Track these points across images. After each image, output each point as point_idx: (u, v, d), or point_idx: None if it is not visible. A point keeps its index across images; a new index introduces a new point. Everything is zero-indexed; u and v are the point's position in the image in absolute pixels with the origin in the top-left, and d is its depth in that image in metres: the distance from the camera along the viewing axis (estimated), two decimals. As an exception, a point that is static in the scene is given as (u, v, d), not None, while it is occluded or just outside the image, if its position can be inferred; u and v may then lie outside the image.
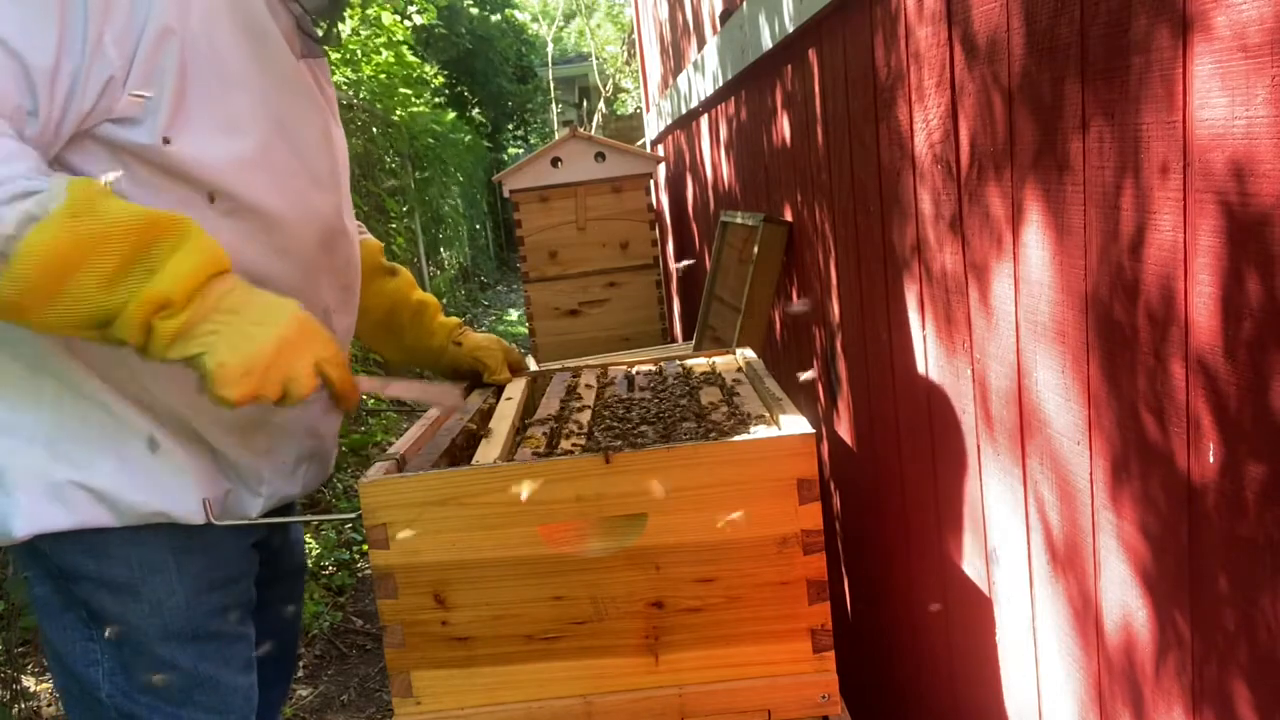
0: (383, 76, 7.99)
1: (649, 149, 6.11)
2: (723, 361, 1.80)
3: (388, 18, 8.04)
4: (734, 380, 1.62)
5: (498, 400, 1.76)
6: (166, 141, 1.17)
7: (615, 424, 1.43)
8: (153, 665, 1.32)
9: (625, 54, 14.90)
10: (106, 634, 1.31)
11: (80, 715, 1.36)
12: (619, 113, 14.72)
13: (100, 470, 1.26)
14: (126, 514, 1.27)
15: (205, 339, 1.13)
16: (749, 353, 1.81)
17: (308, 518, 1.40)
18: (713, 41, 3.21)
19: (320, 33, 1.40)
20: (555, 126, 16.94)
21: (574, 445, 1.34)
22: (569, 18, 18.95)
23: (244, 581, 1.43)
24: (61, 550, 1.29)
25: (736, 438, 1.25)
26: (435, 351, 1.76)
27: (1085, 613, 1.12)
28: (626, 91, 15.11)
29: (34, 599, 1.35)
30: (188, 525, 1.31)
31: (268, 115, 1.28)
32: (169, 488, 1.28)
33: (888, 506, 1.84)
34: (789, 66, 2.28)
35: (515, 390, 1.71)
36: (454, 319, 1.79)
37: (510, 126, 17.19)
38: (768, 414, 1.39)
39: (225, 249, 1.20)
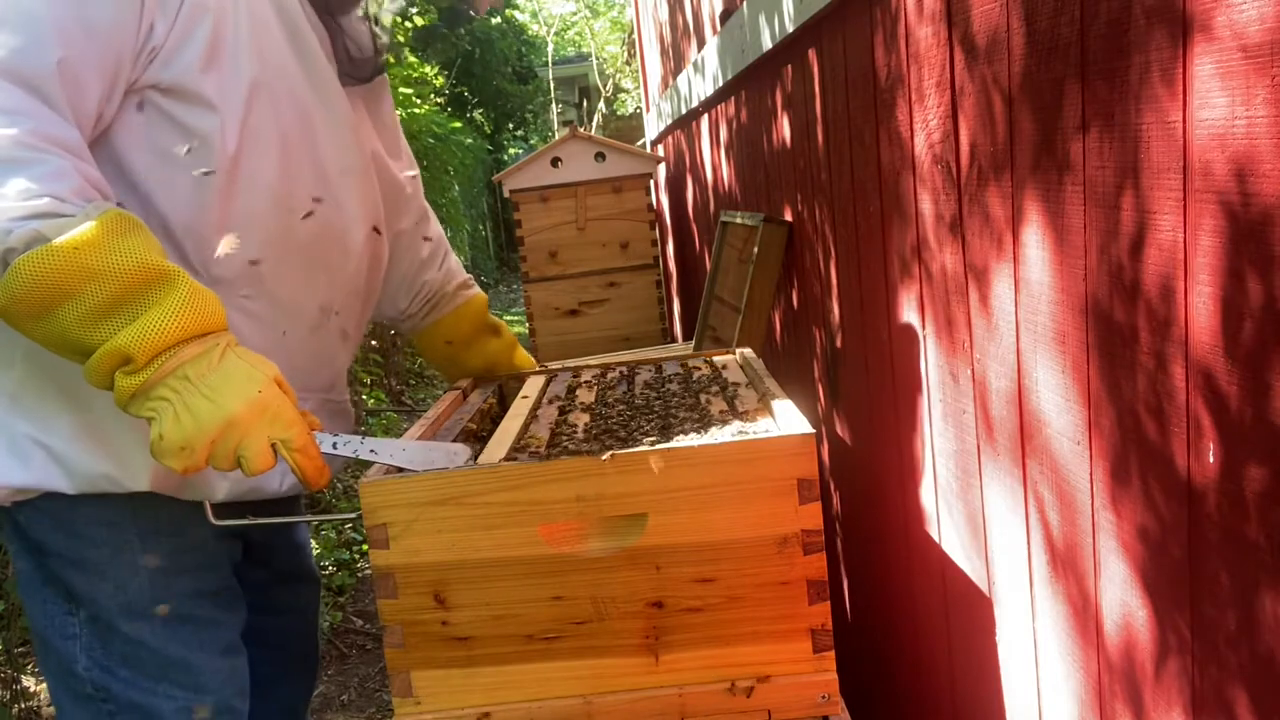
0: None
1: (649, 149, 6.12)
2: (722, 361, 1.80)
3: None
4: (734, 380, 1.62)
5: (499, 399, 1.76)
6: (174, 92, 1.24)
7: (615, 424, 1.43)
8: (122, 642, 1.35)
9: (625, 54, 14.89)
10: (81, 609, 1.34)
11: (59, 687, 1.39)
12: (619, 113, 14.73)
13: (58, 431, 1.27)
14: (77, 477, 1.28)
15: (155, 404, 1.12)
16: (749, 353, 1.81)
17: (308, 518, 1.39)
18: (712, 42, 3.21)
19: (366, 55, 1.45)
20: (555, 127, 16.93)
21: (574, 446, 1.34)
22: (568, 28, 18.98)
23: (220, 570, 1.43)
24: (34, 523, 1.33)
25: (736, 438, 1.25)
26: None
27: (1085, 613, 1.12)
28: (626, 91, 15.11)
29: (17, 574, 1.39)
30: (154, 507, 1.32)
31: (294, 107, 1.34)
32: (123, 454, 1.28)
33: (888, 507, 1.84)
34: (789, 67, 2.28)
35: (532, 389, 1.71)
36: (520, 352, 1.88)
37: (510, 127, 17.18)
38: (768, 414, 1.39)
39: (231, 220, 1.27)
